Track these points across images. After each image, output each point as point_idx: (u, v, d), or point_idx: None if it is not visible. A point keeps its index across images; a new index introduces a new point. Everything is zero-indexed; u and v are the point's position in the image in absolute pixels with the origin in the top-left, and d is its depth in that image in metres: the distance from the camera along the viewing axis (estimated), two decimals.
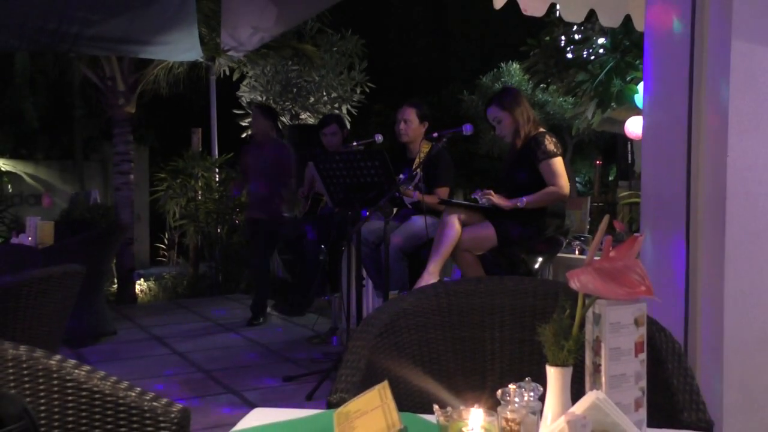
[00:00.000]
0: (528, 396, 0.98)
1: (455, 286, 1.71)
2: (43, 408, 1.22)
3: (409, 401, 1.52)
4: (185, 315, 6.07)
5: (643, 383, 1.07)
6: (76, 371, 1.24)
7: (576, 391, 1.03)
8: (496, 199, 3.45)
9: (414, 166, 4.19)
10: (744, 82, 2.12)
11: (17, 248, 4.50)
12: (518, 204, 3.43)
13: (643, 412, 1.08)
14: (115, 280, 7.26)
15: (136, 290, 7.37)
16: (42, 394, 1.22)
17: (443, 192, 4.20)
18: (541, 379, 1.03)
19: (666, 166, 2.30)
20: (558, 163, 3.47)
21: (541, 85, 9.26)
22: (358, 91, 9.41)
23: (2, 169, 11.50)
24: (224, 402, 3.64)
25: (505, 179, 3.76)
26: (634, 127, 6.74)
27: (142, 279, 7.92)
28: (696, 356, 2.18)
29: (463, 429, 0.95)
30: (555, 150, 3.47)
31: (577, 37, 7.16)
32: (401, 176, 4.09)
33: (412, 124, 4.32)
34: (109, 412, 1.22)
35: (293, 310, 5.66)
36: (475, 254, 3.56)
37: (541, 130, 3.62)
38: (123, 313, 6.21)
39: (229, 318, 5.92)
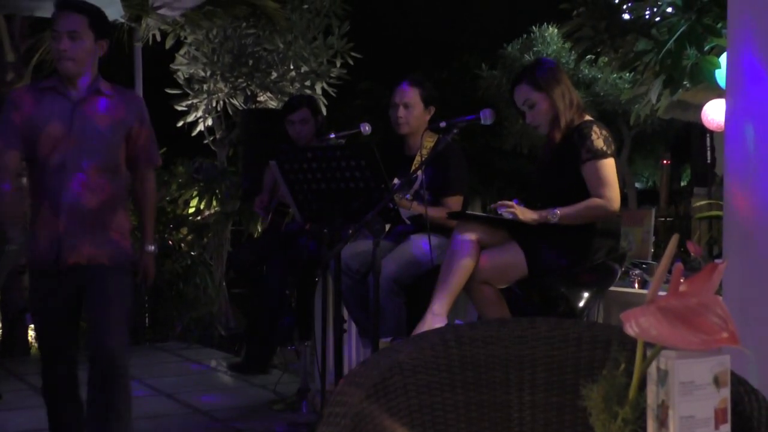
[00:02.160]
0: None
1: (470, 331, 1.71)
2: None
3: None
4: None
5: None
6: None
7: None
8: (520, 211, 3.46)
9: (413, 167, 4.20)
10: None
11: None
12: (549, 217, 3.44)
13: None
14: (0, 324, 7.21)
15: (30, 338, 7.33)
16: None
17: (454, 202, 4.21)
18: None
19: (758, 167, 2.32)
20: (607, 166, 3.48)
21: (588, 57, 9.30)
22: (338, 64, 9.44)
23: None
24: None
25: (538, 185, 3.76)
26: (714, 113, 6.78)
27: None
28: None
29: None
30: (604, 148, 3.48)
31: None
32: (396, 180, 4.09)
33: (414, 110, 4.32)
34: None
35: (251, 365, 5.54)
36: (497, 288, 3.56)
37: (588, 118, 3.64)
38: (11, 370, 6.16)
39: (158, 375, 5.88)
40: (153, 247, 3.74)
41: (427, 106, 4.36)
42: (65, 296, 3.44)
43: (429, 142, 4.22)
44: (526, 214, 3.45)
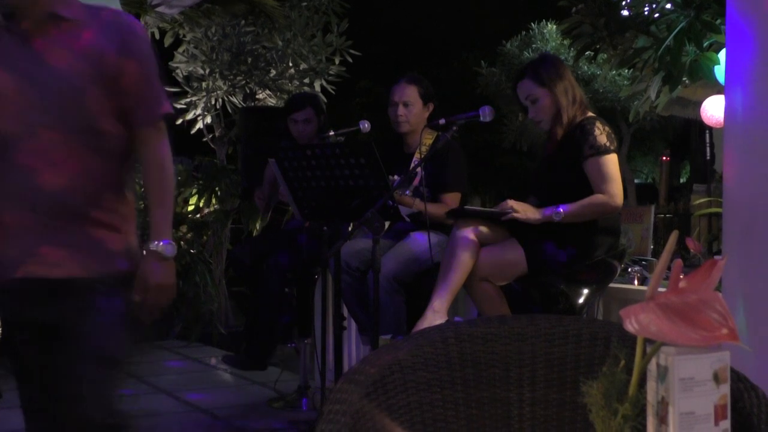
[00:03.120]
0: None
1: (470, 328, 1.71)
2: None
3: None
4: None
5: None
6: None
7: None
8: (521, 210, 3.45)
9: (413, 164, 4.20)
10: None
11: None
12: (553, 216, 3.44)
13: None
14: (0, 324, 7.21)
15: None
16: None
17: (453, 199, 4.21)
18: None
19: (758, 164, 2.32)
20: (610, 162, 3.48)
21: (587, 54, 9.30)
22: (337, 62, 9.44)
23: None
24: None
25: (539, 182, 3.76)
26: (713, 110, 6.78)
27: None
28: None
29: None
30: (607, 144, 3.48)
31: None
32: (396, 178, 4.09)
33: (414, 108, 4.32)
34: None
35: (249, 361, 5.46)
36: (497, 285, 3.56)
37: (590, 114, 3.63)
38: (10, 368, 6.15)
39: (158, 373, 5.88)
40: (162, 245, 2.33)
41: (425, 103, 4.36)
42: (32, 329, 2.39)
43: (428, 139, 4.22)
44: (528, 214, 3.45)
